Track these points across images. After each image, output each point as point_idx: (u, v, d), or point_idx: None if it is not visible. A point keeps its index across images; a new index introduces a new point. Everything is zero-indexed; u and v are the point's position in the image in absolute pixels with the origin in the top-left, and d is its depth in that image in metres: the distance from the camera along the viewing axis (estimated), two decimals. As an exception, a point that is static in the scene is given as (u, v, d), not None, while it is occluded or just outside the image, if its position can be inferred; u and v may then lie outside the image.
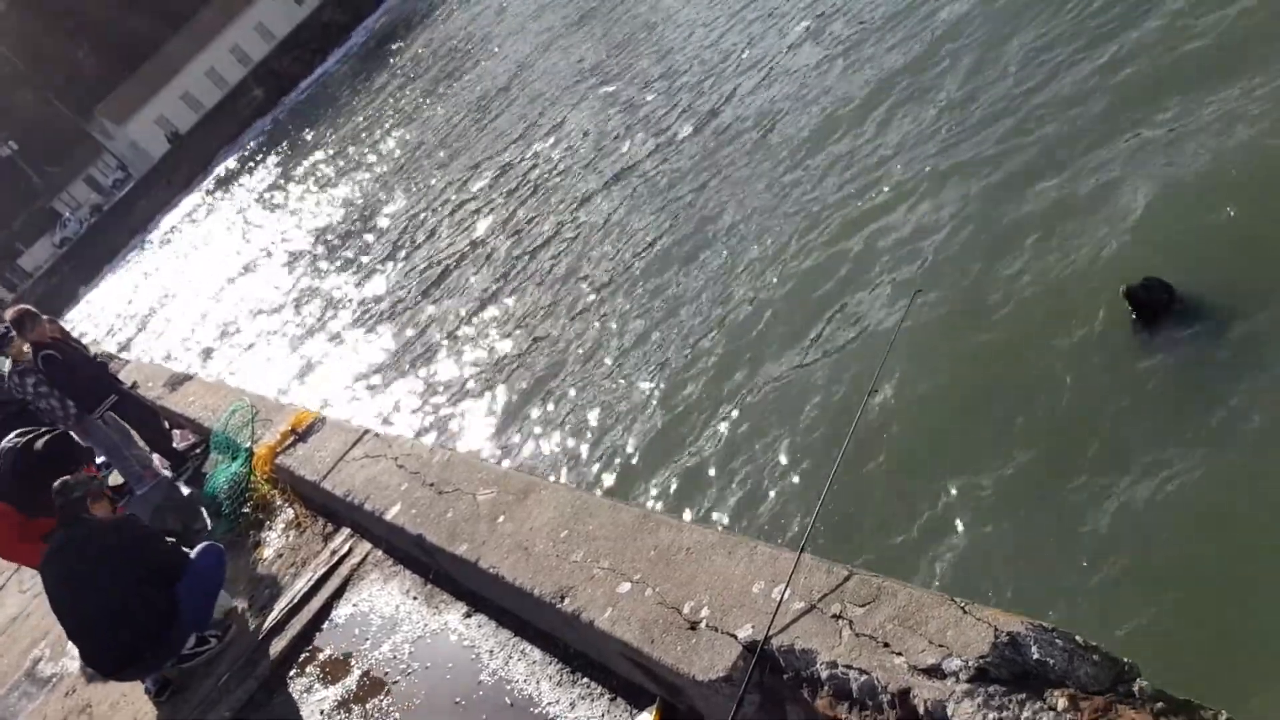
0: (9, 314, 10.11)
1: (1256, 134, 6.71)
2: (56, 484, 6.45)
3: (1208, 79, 7.49)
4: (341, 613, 6.41)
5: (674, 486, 7.95)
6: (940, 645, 2.88)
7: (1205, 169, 6.78)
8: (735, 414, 8.30)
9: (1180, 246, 6.41)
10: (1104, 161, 7.57)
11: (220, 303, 28.72)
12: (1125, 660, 2.67)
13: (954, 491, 5.93)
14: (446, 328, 14.74)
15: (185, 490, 10.14)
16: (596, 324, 11.60)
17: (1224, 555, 4.73)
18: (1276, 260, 5.86)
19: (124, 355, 19.80)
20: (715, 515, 7.28)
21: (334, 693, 5.71)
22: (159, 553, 6.61)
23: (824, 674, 3.10)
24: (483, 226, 17.77)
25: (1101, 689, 2.61)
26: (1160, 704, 2.52)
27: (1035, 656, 2.72)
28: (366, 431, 7.42)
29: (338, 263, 22.99)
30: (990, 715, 2.64)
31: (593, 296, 12.31)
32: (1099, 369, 6.08)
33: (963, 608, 2.94)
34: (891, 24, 12.27)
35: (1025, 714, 2.60)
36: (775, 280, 9.59)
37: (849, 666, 3.03)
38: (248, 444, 8.84)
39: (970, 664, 2.77)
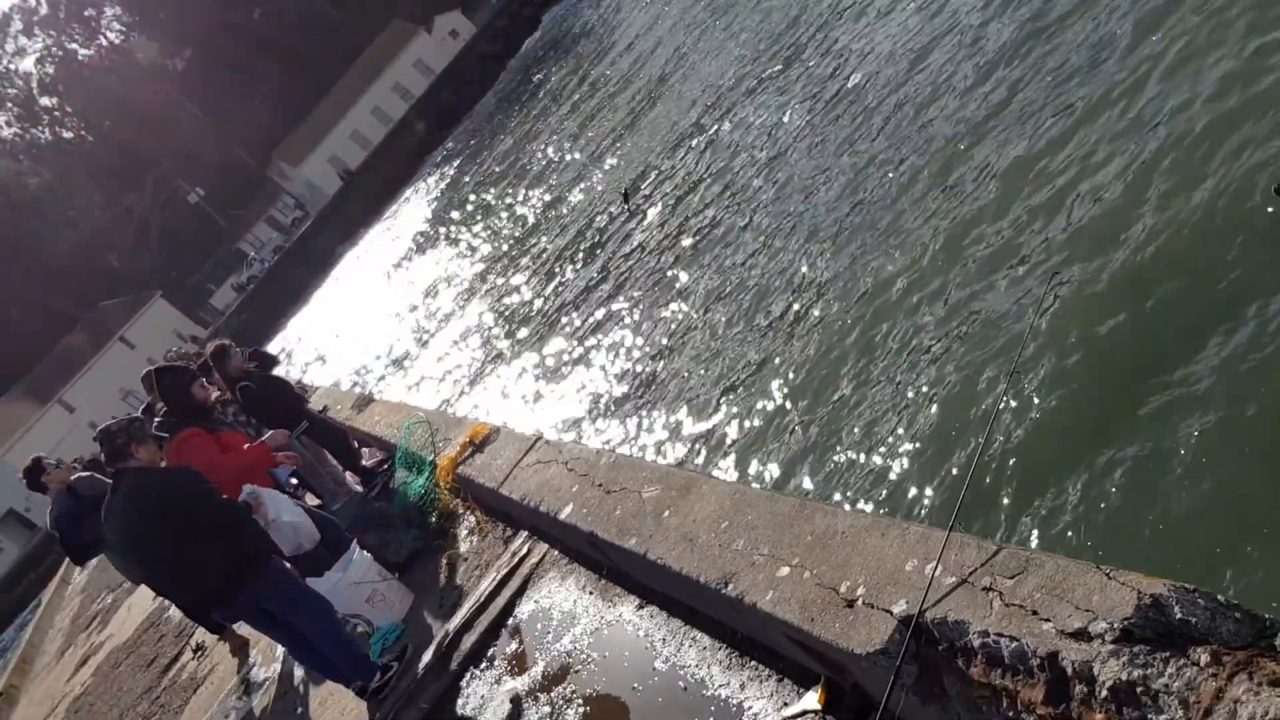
0: (209, 349, 11.11)
1: None
2: (99, 430, 6.61)
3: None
4: (524, 609, 6.83)
5: (826, 475, 8.11)
6: (1086, 610, 3.00)
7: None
8: (881, 402, 8.38)
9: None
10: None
11: (399, 328, 30.20)
12: (1267, 617, 2.75)
13: (1100, 464, 5.91)
14: (607, 340, 15.21)
15: (376, 505, 10.85)
16: (741, 329, 11.82)
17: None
18: None
19: (311, 381, 21.10)
20: (868, 500, 7.41)
21: (521, 683, 6.11)
22: (210, 507, 6.67)
23: (976, 643, 3.25)
24: (637, 243, 18.21)
25: (1244, 644, 2.69)
26: (1304, 657, 2.59)
27: (1178, 616, 2.82)
28: (538, 439, 7.85)
29: (502, 284, 23.90)
30: (1135, 673, 2.76)
31: (738, 302, 12.53)
32: (1255, 320, 5.95)
33: (1107, 574, 3.05)
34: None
35: (1169, 670, 2.71)
36: (917, 270, 9.62)
37: (1000, 635, 3.18)
38: (431, 457, 9.44)
39: (1115, 626, 2.89)
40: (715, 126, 19.79)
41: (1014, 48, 11.68)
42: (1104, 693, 2.82)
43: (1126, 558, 5.13)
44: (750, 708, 4.63)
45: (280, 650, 9.10)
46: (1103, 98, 9.37)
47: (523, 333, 19.16)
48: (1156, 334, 6.55)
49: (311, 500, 12.14)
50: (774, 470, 8.80)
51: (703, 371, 11.74)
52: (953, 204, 10.09)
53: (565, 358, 16.02)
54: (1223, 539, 4.95)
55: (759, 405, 10.07)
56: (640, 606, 5.87)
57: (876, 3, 17.47)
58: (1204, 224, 6.97)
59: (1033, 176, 9.32)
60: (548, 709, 5.69)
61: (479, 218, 33.84)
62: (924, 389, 8.06)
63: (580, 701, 5.54)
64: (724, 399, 10.76)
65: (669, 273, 15.50)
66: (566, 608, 6.42)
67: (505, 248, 26.87)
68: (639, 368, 13.42)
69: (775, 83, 18.86)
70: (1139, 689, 2.74)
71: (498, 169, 39.18)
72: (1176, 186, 7.50)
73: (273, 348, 38.29)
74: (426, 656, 7.03)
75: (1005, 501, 6.14)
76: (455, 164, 52.60)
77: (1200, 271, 6.74)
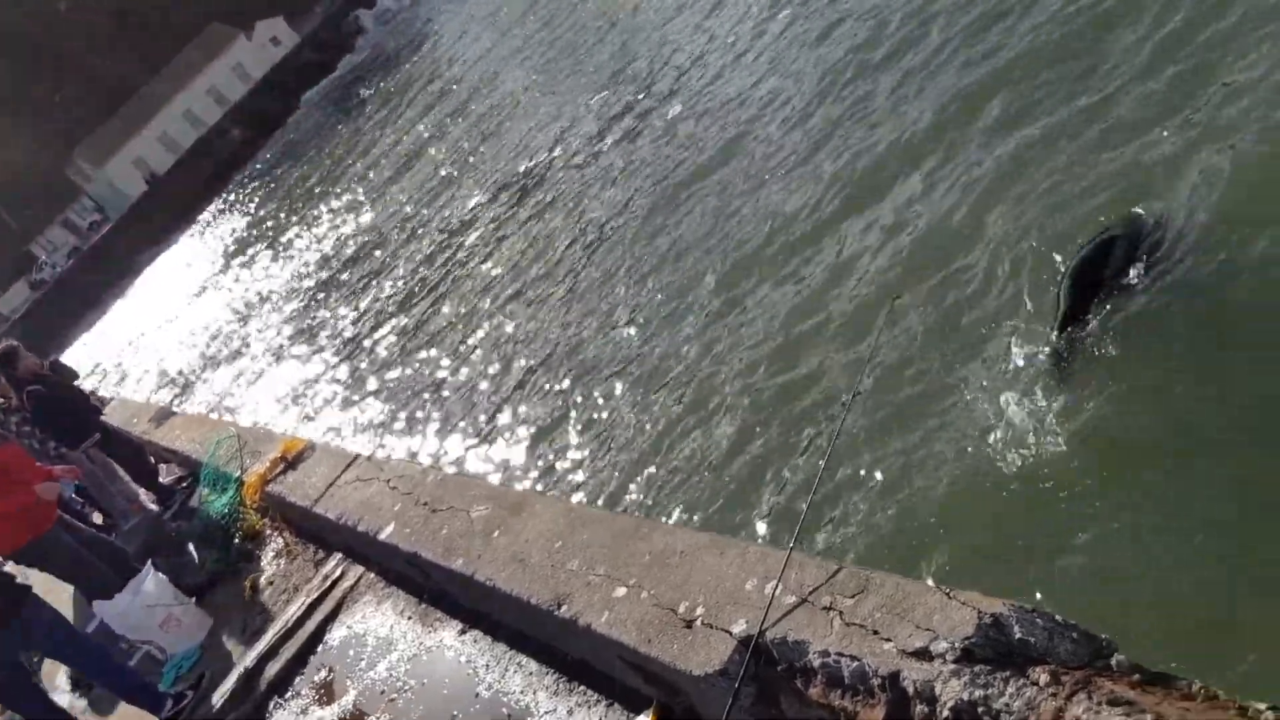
0: (-6, 350, 10.17)
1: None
2: None
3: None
4: (335, 636, 6.47)
5: (665, 494, 8.07)
6: (927, 629, 3.00)
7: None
8: (722, 421, 8.42)
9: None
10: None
11: (203, 340, 28.74)
12: (1103, 636, 2.81)
13: (936, 485, 6.09)
14: (430, 355, 14.85)
15: (173, 524, 10.16)
16: (578, 342, 11.74)
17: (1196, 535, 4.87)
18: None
19: (106, 394, 19.76)
20: (708, 519, 7.40)
21: (330, 713, 5.76)
22: None
23: (816, 663, 3.22)
24: (464, 254, 17.92)
25: (1081, 664, 2.73)
26: (1136, 675, 2.65)
27: (1018, 636, 2.85)
28: (357, 456, 7.50)
29: (320, 296, 23.08)
30: (976, 693, 2.76)
31: (574, 316, 12.46)
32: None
33: (947, 593, 3.07)
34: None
35: (1009, 690, 2.72)
36: (756, 292, 9.77)
37: (841, 654, 3.15)
38: (237, 474, 8.90)
39: (956, 645, 2.89)
40: (541, 151, 19.76)
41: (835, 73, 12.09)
42: (945, 713, 2.82)
43: (966, 577, 5.25)
44: (578, 735, 4.48)
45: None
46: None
47: (341, 347, 18.50)
48: (994, 359, 6.81)
49: (99, 519, 11.31)
50: (611, 489, 8.70)
51: (536, 389, 11.56)
52: (792, 225, 10.29)
53: (388, 373, 15.53)
54: (1057, 560, 5.15)
55: (597, 425, 9.97)
56: (463, 631, 5.63)
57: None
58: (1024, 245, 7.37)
59: (869, 196, 9.62)
60: (360, 740, 5.37)
61: (296, 230, 32.66)
62: (766, 408, 8.13)
63: (395, 732, 5.26)
64: (560, 418, 10.61)
65: (495, 287, 15.27)
66: (383, 633, 6.11)
67: (323, 261, 26.00)
68: (468, 384, 13.11)
69: (603, 108, 18.97)
70: (980, 709, 2.74)
71: (317, 181, 38.03)
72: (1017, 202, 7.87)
73: (65, 356, 35.74)
74: (225, 686, 6.56)
75: (847, 521, 6.22)
76: (272, 174, 50.76)
77: (1014, 298, 7.06)
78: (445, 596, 5.90)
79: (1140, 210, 6.87)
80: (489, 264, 16.48)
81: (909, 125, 10.24)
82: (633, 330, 11.04)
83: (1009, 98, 9.36)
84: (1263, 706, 2.35)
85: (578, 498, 8.82)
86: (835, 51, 13.08)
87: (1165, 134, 7.40)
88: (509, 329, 13.61)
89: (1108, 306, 6.38)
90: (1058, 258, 7.06)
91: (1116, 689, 2.58)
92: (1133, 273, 6.48)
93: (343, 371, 17.23)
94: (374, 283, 20.46)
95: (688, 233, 12.00)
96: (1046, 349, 6.43)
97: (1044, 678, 2.70)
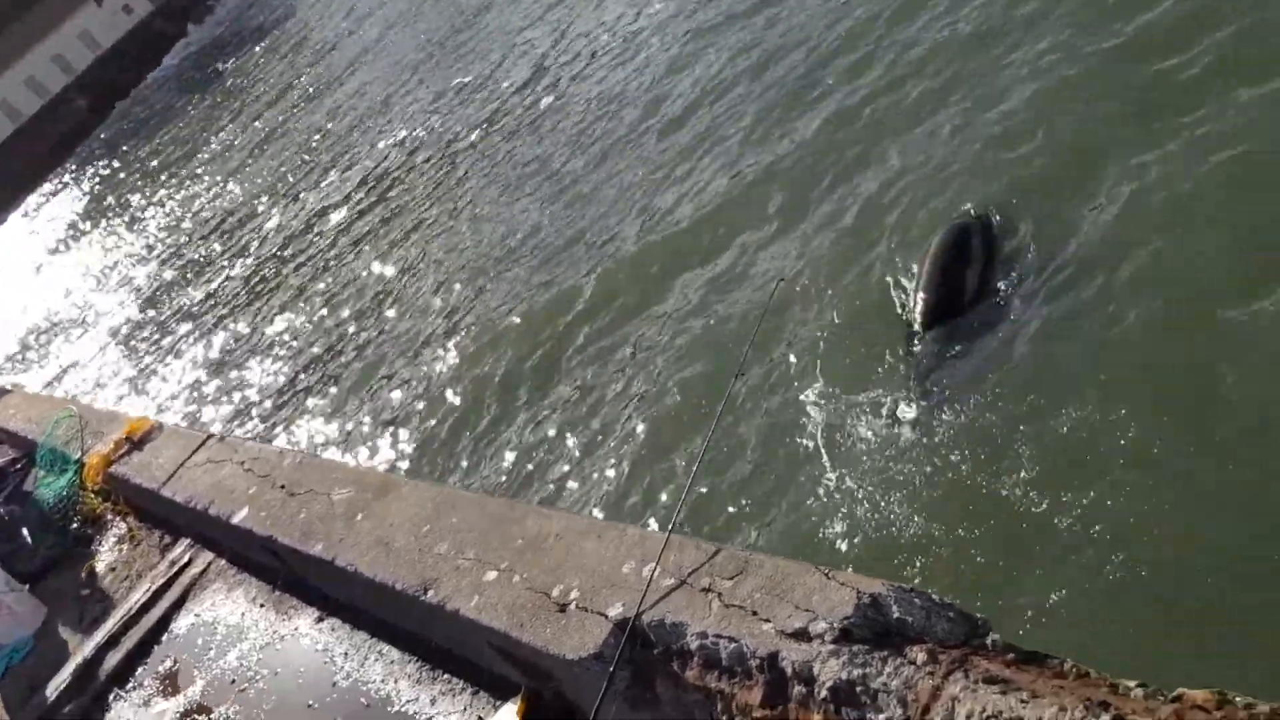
0: None
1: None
2: None
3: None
4: (182, 624, 6.14)
5: (543, 477, 7.96)
6: (806, 610, 2.99)
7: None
8: (604, 404, 8.35)
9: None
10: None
11: (42, 316, 27.14)
12: (979, 616, 2.84)
13: (816, 467, 6.16)
14: (287, 335, 14.32)
15: (5, 508, 9.50)
16: (453, 324, 11.49)
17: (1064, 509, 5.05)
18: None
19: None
20: (586, 503, 7.31)
21: (175, 704, 5.46)
22: None
23: (694, 645, 3.17)
24: (322, 234, 17.37)
25: (958, 642, 2.76)
26: (1011, 654, 2.68)
27: (896, 615, 2.86)
28: (209, 437, 7.14)
29: (169, 274, 22.06)
30: (854, 672, 2.76)
31: (443, 290, 12.20)
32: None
33: (826, 574, 3.07)
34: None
35: (887, 669, 2.72)
36: (642, 273, 9.73)
37: (719, 636, 3.11)
38: (77, 455, 8.39)
39: (835, 626, 2.89)
40: (394, 120, 19.34)
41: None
42: (823, 693, 2.81)
43: (847, 558, 5.32)
44: (441, 723, 4.33)
45: None
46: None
47: (192, 326, 17.69)
48: (872, 343, 6.93)
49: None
50: (485, 473, 8.50)
51: (406, 372, 11.24)
52: (671, 213, 10.28)
53: (242, 353, 14.91)
54: (935, 542, 5.25)
55: (472, 407, 9.73)
56: (320, 619, 5.40)
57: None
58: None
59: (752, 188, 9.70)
60: (207, 732, 5.10)
61: (143, 205, 31.13)
62: (647, 392, 8.08)
63: (245, 723, 5.00)
64: (432, 397, 10.35)
65: (354, 266, 14.84)
66: (233, 621, 5.82)
67: (173, 238, 24.84)
68: (329, 364, 12.69)
69: (460, 90, 18.68)
70: (858, 688, 2.74)
71: (167, 156, 36.30)
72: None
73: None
74: (61, 677, 6.15)
75: (729, 504, 6.22)
76: (120, 147, 48.24)
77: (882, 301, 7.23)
78: (302, 583, 5.65)
79: (985, 209, 7.20)
80: (347, 241, 16.03)
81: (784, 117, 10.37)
82: (506, 309, 10.86)
83: (874, 82, 9.61)
84: (1132, 684, 2.41)
85: (451, 482, 8.59)
86: (718, 40, 13.14)
87: (1021, 136, 7.69)
88: (371, 310, 13.23)
89: (967, 298, 6.63)
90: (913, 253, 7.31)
91: (992, 667, 2.61)
92: (985, 266, 6.75)
93: (193, 351, 16.50)
94: (226, 261, 19.65)
95: (558, 213, 11.90)
96: (913, 342, 6.61)
97: (921, 657, 2.71)
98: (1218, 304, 5.51)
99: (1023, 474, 5.38)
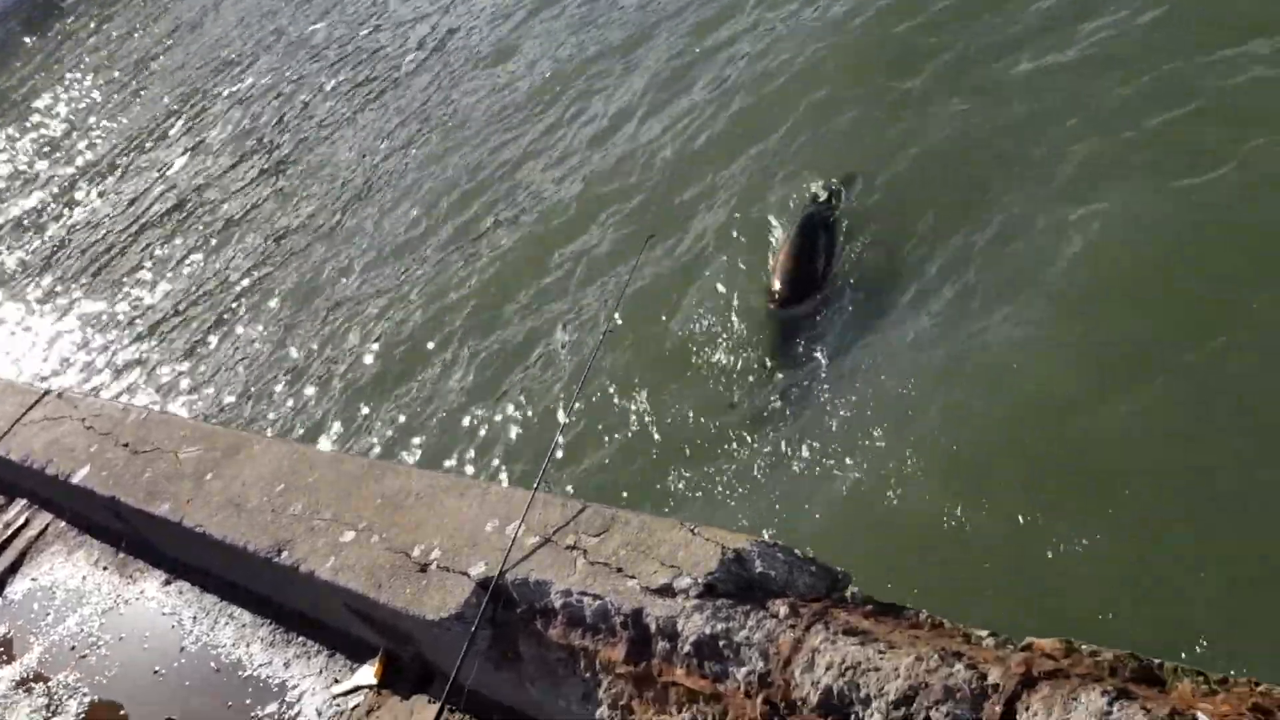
0: None
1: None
2: None
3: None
4: (17, 589, 5.81)
5: (406, 436, 7.73)
6: (671, 566, 2.98)
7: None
8: (471, 360, 8.16)
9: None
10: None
11: None
12: (839, 569, 2.88)
13: (682, 423, 6.19)
14: (131, 286, 13.63)
15: None
16: (312, 270, 11.11)
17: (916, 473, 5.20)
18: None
19: None
20: (452, 462, 7.17)
21: (9, 673, 5.17)
22: None
23: (558, 603, 3.13)
24: (172, 186, 16.56)
25: (819, 595, 2.79)
26: (870, 606, 2.73)
27: (759, 570, 2.88)
28: (46, 393, 6.75)
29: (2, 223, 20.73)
30: (718, 626, 2.76)
31: (310, 241, 11.78)
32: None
33: (692, 530, 3.06)
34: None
35: (750, 623, 2.74)
36: (510, 230, 9.57)
37: (583, 594, 3.08)
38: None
39: (699, 581, 2.88)
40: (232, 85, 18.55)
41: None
42: (687, 648, 2.81)
43: (714, 516, 5.35)
44: (296, 686, 4.21)
45: None
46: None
47: (24, 275, 16.68)
48: (728, 316, 7.00)
49: None
50: (340, 430, 8.25)
51: (259, 327, 10.81)
52: (542, 170, 10.12)
53: (84, 303, 14.11)
54: (811, 499, 5.33)
55: (332, 361, 9.41)
56: (167, 582, 5.18)
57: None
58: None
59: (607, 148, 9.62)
60: (44, 700, 4.83)
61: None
62: (515, 349, 7.94)
63: (87, 690, 4.76)
64: (283, 355, 9.98)
65: (211, 217, 14.19)
66: (73, 585, 5.53)
67: (5, 186, 23.35)
68: (173, 316, 12.11)
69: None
70: (721, 642, 2.75)
71: None
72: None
73: None
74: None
75: (597, 461, 6.16)
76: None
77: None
78: (149, 546, 5.40)
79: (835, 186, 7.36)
80: (197, 191, 15.32)
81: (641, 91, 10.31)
82: (363, 265, 10.57)
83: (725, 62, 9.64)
84: (984, 633, 2.47)
85: (308, 440, 8.31)
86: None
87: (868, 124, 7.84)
88: (222, 269, 12.68)
89: (821, 278, 6.78)
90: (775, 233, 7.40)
91: (851, 619, 2.65)
92: (835, 248, 6.94)
93: (28, 297, 15.56)
94: (68, 212, 18.54)
95: (426, 171, 11.59)
96: (768, 319, 6.73)
97: (783, 610, 2.73)
98: (1051, 282, 5.75)
99: (869, 444, 5.52)
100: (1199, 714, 1.95)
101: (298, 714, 4.06)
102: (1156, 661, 2.16)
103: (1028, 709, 2.11)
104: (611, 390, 6.55)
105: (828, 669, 2.49)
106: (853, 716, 2.42)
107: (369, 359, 9.10)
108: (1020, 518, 4.71)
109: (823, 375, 6.11)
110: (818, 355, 6.28)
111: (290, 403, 9.22)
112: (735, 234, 7.61)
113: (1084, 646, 2.26)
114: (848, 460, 5.47)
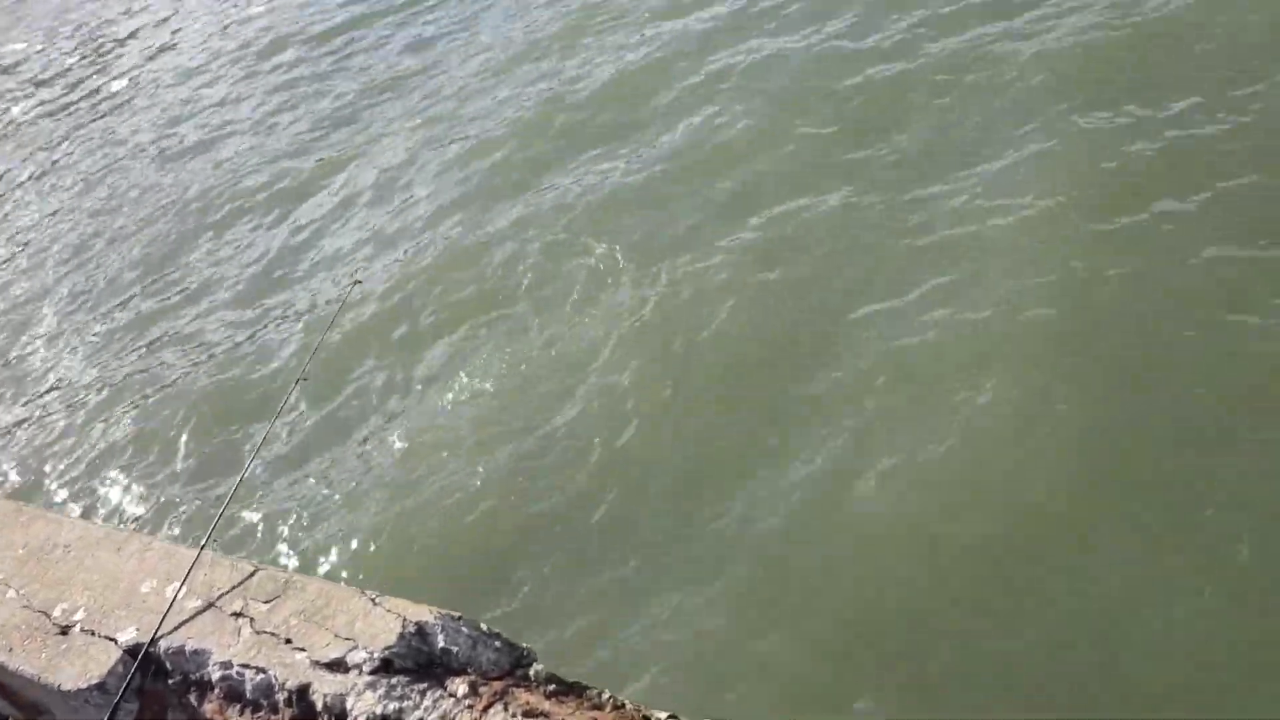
0: None
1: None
2: None
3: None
4: None
5: (61, 479, 6.91)
6: (347, 639, 2.77)
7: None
8: (149, 402, 7.43)
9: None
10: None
11: None
12: (524, 646, 2.77)
13: (366, 480, 5.83)
14: None
15: None
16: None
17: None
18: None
19: None
20: (112, 513, 6.44)
21: None
22: None
23: (216, 675, 2.85)
24: None
25: (501, 673, 2.67)
26: (553, 685, 2.63)
27: (441, 645, 2.72)
28: None
29: None
30: (391, 706, 2.58)
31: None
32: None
33: (373, 599, 2.86)
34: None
35: (426, 702, 2.58)
36: (212, 271, 8.91)
37: (246, 666, 2.81)
38: None
39: (375, 655, 2.69)
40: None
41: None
42: (356, 728, 2.60)
43: (405, 583, 4.98)
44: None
45: None
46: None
47: None
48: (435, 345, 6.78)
49: None
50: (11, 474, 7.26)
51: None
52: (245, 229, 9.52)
53: None
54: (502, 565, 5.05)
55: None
56: None
57: None
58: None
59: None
60: None
61: None
62: (205, 400, 7.24)
63: None
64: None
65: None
66: None
67: None
68: None
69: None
70: (394, 722, 2.56)
71: None
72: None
73: None
74: None
75: (279, 520, 5.64)
76: None
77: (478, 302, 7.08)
78: None
79: None
80: None
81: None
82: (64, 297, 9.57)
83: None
84: (663, 715, 2.43)
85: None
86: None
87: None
88: None
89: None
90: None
91: (532, 700, 2.54)
92: None
93: None
94: None
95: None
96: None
97: (462, 689, 2.59)
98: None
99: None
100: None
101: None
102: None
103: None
104: (300, 444, 6.12)
105: (502, 754, 2.36)
106: (524, 806, 2.30)
107: (36, 383, 8.21)
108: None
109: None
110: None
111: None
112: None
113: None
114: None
